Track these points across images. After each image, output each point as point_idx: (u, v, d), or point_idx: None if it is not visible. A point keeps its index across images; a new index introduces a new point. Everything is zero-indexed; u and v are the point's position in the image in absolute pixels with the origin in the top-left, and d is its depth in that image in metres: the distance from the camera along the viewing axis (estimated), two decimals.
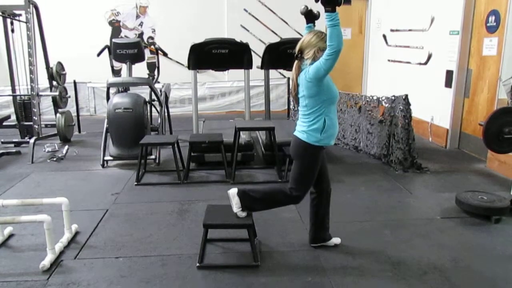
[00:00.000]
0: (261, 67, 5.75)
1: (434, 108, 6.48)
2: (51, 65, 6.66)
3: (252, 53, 5.64)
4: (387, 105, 5.43)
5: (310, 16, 3.16)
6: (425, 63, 6.75)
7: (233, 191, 3.11)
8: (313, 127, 2.94)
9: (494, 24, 5.36)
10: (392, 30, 7.85)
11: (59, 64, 6.77)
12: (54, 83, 6.74)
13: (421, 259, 3.18)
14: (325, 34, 2.86)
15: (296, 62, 2.99)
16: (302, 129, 3.01)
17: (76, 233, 3.60)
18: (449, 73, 6.13)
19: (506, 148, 4.02)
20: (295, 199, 3.11)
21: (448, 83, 6.16)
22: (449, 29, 6.09)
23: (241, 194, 3.08)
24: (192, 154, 5.10)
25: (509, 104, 5.11)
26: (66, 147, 6.19)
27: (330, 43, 2.74)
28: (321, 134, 2.94)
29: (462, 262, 3.15)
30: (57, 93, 6.64)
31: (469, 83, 5.93)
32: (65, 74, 6.91)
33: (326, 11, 2.74)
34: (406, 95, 5.18)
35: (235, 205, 3.08)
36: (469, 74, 5.92)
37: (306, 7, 3.10)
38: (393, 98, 5.35)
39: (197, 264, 3.08)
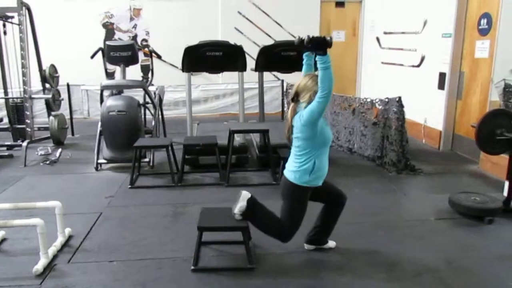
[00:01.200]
0: (255, 70, 5.76)
1: (427, 110, 6.52)
2: (44, 68, 6.63)
3: (246, 55, 5.66)
4: (380, 107, 5.46)
5: (304, 45, 3.10)
6: (418, 65, 6.79)
7: (245, 195, 3.08)
8: (303, 167, 2.96)
9: (486, 26, 5.40)
10: (385, 33, 7.89)
11: (52, 66, 6.74)
12: (47, 85, 6.70)
13: (415, 260, 3.19)
14: None
15: (292, 104, 3.01)
16: (292, 169, 3.02)
17: (70, 237, 3.57)
18: (442, 76, 6.17)
19: (498, 150, 4.05)
20: (285, 236, 3.12)
21: (441, 85, 6.20)
22: (442, 32, 6.14)
23: (250, 203, 3.06)
24: (186, 156, 5.09)
25: (501, 106, 5.16)
26: (59, 150, 6.16)
27: (321, 85, 2.78)
28: (310, 175, 2.96)
29: (456, 263, 3.16)
30: (50, 96, 6.61)
31: (461, 85, 5.97)
32: (58, 77, 6.88)
33: (317, 54, 2.79)
34: (400, 97, 5.20)
35: (239, 207, 3.05)
36: (462, 76, 5.96)
37: (300, 39, 2.96)
38: (386, 100, 5.38)
39: (192, 267, 3.07)
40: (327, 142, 3.01)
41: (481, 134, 3.93)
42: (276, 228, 3.13)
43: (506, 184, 3.99)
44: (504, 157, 4.16)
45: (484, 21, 5.44)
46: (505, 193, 4.01)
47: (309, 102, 2.90)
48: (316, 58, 2.82)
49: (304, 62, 3.18)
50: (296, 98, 2.99)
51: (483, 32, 5.47)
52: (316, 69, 2.98)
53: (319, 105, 2.81)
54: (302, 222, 3.10)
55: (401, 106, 5.18)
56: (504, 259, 3.23)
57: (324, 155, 3.02)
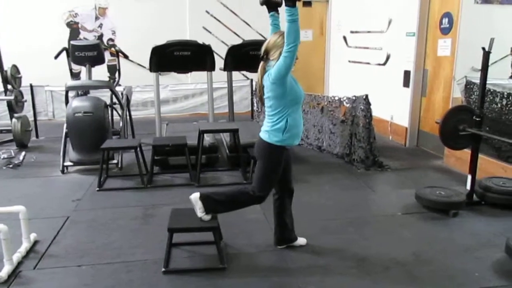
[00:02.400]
0: (224, 69, 5.74)
1: (393, 107, 6.66)
2: (5, 68, 6.42)
3: (215, 55, 5.64)
4: (348, 105, 5.54)
5: (270, 4, 3.09)
6: (384, 63, 6.93)
7: (195, 196, 3.07)
8: (276, 127, 2.96)
9: (448, 26, 5.56)
10: (352, 32, 8.01)
11: (14, 67, 6.54)
12: (9, 86, 6.49)
13: (384, 255, 3.26)
14: None
15: (261, 63, 3.00)
16: (265, 129, 3.03)
17: (35, 242, 3.47)
18: (406, 73, 6.31)
19: (461, 145, 4.19)
20: (258, 199, 3.11)
21: (406, 83, 6.34)
22: (406, 31, 6.28)
23: (204, 198, 3.05)
24: (155, 157, 5.03)
25: (464, 103, 5.33)
26: (23, 153, 5.98)
27: (287, 39, 2.76)
28: (283, 134, 2.95)
29: (423, 256, 3.25)
30: (12, 97, 6.41)
31: (425, 82, 6.13)
32: (20, 78, 6.68)
33: (286, 5, 2.76)
34: (367, 95, 5.30)
35: (199, 209, 3.05)
36: (426, 74, 6.12)
37: None
38: (354, 98, 5.46)
39: (163, 269, 3.04)
40: (299, 99, 3.01)
41: (444, 130, 4.05)
42: (245, 197, 3.11)
43: (469, 178, 4.12)
44: (467, 152, 4.29)
45: (445, 20, 5.60)
46: (468, 187, 4.14)
47: (278, 60, 2.88)
48: (285, 10, 2.77)
49: (270, 23, 3.15)
50: (265, 57, 2.98)
51: (445, 31, 5.64)
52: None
53: (286, 60, 2.79)
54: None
55: (368, 104, 5.28)
56: (469, 251, 3.33)
57: (296, 113, 3.01)
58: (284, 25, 2.83)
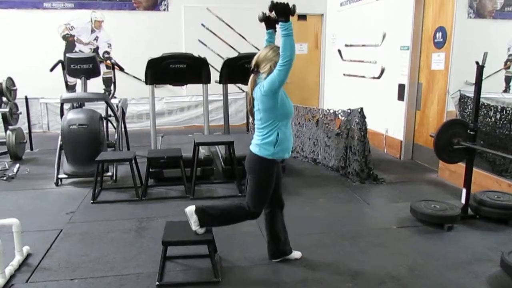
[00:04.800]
0: (219, 82, 5.76)
1: (388, 121, 6.69)
2: (0, 81, 6.41)
3: (210, 67, 5.66)
4: (343, 118, 5.56)
5: (269, 22, 3.13)
6: (379, 77, 6.98)
7: (190, 209, 3.05)
8: (267, 140, 2.96)
9: (441, 40, 5.62)
10: (346, 45, 8.08)
11: (9, 79, 6.54)
12: (4, 99, 6.48)
13: (379, 269, 3.25)
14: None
15: (252, 76, 3.01)
16: (256, 143, 3.03)
17: (28, 255, 3.44)
18: (401, 87, 6.36)
19: (455, 158, 4.20)
20: (253, 214, 3.11)
21: (400, 96, 6.39)
22: (400, 45, 6.34)
23: (199, 212, 3.04)
24: (150, 170, 5.01)
25: (458, 116, 5.36)
26: (17, 165, 5.95)
27: (283, 53, 2.79)
28: (275, 147, 2.96)
29: (418, 270, 3.24)
30: (7, 110, 6.39)
31: (420, 96, 6.18)
32: (15, 90, 6.67)
33: (279, 21, 2.81)
34: (361, 108, 5.33)
35: (194, 223, 3.03)
36: (420, 87, 6.16)
37: (264, 13, 3.07)
38: (349, 111, 5.49)
39: (157, 283, 3.02)
40: (289, 114, 3.02)
41: (439, 144, 4.06)
42: (240, 212, 3.10)
43: (464, 191, 4.13)
44: (461, 166, 4.31)
45: (439, 35, 5.67)
46: (463, 200, 4.14)
47: (269, 73, 2.90)
48: (279, 26, 2.81)
49: (266, 39, 3.18)
50: (256, 69, 2.99)
51: (439, 45, 5.70)
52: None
53: (280, 73, 2.81)
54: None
55: (363, 117, 5.30)
56: (464, 265, 3.33)
57: (286, 128, 3.01)
58: (279, 41, 2.86)
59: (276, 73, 2.83)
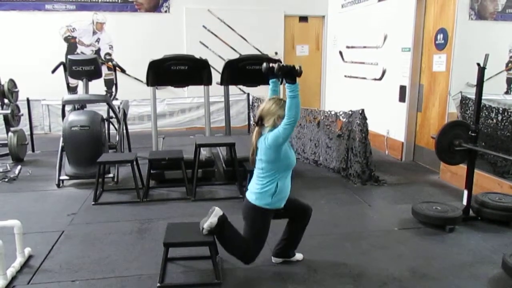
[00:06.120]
0: (221, 83, 5.77)
1: (389, 122, 6.69)
2: (2, 82, 6.43)
3: (212, 69, 5.66)
4: (344, 119, 5.56)
5: (273, 74, 3.12)
6: (380, 78, 6.98)
7: (218, 211, 3.04)
8: (265, 189, 2.97)
9: (443, 41, 5.62)
10: (348, 47, 8.08)
11: (11, 81, 6.55)
12: (6, 100, 6.50)
13: (380, 271, 3.24)
14: (284, 101, 2.93)
15: (256, 128, 3.04)
16: (254, 191, 3.02)
17: (30, 257, 3.44)
18: (402, 88, 6.36)
19: (457, 160, 4.20)
20: (246, 260, 3.12)
21: (402, 98, 6.38)
22: (401, 46, 6.34)
23: (221, 221, 3.02)
24: (151, 171, 5.02)
25: (459, 118, 5.36)
26: (19, 167, 5.96)
27: (288, 113, 2.82)
28: (273, 197, 2.97)
29: (420, 272, 3.23)
30: (8, 111, 6.41)
31: (421, 97, 6.17)
32: (17, 92, 6.69)
33: (287, 82, 2.83)
34: (363, 110, 5.32)
35: (209, 223, 2.99)
36: (421, 89, 6.16)
37: (268, 65, 3.05)
38: (350, 112, 5.49)
39: (158, 284, 3.01)
40: (291, 165, 3.04)
41: (440, 145, 4.06)
42: (241, 249, 3.10)
43: (465, 193, 4.12)
44: (463, 167, 4.30)
45: (440, 36, 5.67)
46: (464, 202, 4.14)
47: (273, 126, 2.93)
48: (285, 86, 2.85)
49: (270, 88, 3.26)
50: (260, 122, 3.02)
51: (440, 47, 5.69)
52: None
53: (285, 131, 2.84)
54: (269, 234, 3.10)
55: (364, 118, 5.30)
56: (466, 267, 3.32)
57: (286, 178, 3.04)
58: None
59: (281, 131, 2.85)
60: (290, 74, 2.83)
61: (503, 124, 5.14)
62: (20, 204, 4.69)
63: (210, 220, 3.01)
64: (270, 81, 3.24)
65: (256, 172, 3.07)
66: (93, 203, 4.68)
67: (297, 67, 2.84)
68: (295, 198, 3.30)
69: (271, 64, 3.03)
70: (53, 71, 6.41)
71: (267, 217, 3.05)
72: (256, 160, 3.05)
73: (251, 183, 3.10)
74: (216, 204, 3.14)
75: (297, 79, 2.83)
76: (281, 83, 3.24)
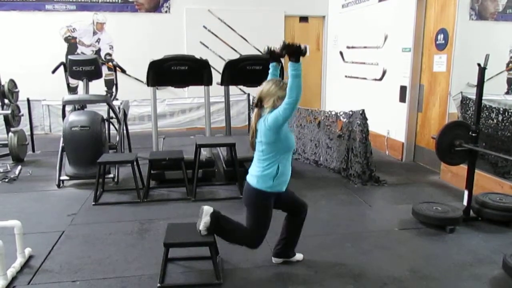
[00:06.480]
0: (221, 84, 5.76)
1: (389, 122, 6.69)
2: (2, 83, 6.43)
3: (212, 69, 5.66)
4: (345, 120, 5.56)
5: (273, 56, 3.13)
6: (380, 79, 6.98)
7: (207, 210, 3.04)
8: (266, 172, 2.95)
9: (443, 42, 5.62)
10: (348, 47, 8.08)
11: (12, 81, 6.55)
12: (6, 101, 6.50)
13: (381, 271, 3.24)
14: (283, 82, 2.92)
15: (256, 110, 3.02)
16: (254, 174, 3.01)
17: (30, 257, 3.44)
18: (403, 89, 6.36)
19: (457, 160, 4.19)
20: (251, 245, 3.13)
21: (402, 98, 6.38)
22: (402, 46, 6.34)
23: (214, 217, 3.02)
24: (152, 171, 5.02)
25: (459, 118, 5.36)
26: (19, 167, 5.96)
27: (289, 93, 2.78)
28: (274, 180, 2.95)
29: (420, 272, 3.23)
30: (9, 112, 6.41)
31: (421, 98, 6.17)
32: (17, 92, 6.69)
33: (290, 60, 2.79)
34: (363, 110, 5.32)
35: (204, 223, 3.01)
36: (422, 89, 6.16)
37: (269, 48, 3.07)
38: (350, 113, 5.49)
39: (158, 285, 3.01)
40: (291, 148, 3.02)
41: (440, 145, 4.06)
42: (243, 236, 3.10)
43: (466, 193, 4.12)
44: (463, 168, 4.30)
45: (441, 37, 5.66)
46: (465, 202, 4.13)
47: (273, 107, 2.91)
48: (289, 64, 2.80)
49: (270, 72, 3.22)
50: (260, 104, 3.00)
51: (440, 47, 5.69)
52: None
53: (285, 112, 2.81)
54: (269, 234, 3.10)
55: (365, 118, 5.30)
56: (466, 267, 3.32)
57: (287, 161, 3.01)
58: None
59: (281, 111, 2.82)
60: (295, 52, 2.78)
61: (503, 124, 5.14)
62: (20, 205, 4.69)
63: (204, 220, 3.01)
64: (270, 65, 3.22)
65: (256, 155, 3.04)
66: (94, 203, 4.68)
67: (302, 47, 2.80)
68: (293, 193, 3.28)
69: (272, 47, 3.01)
70: (54, 71, 6.41)
71: (269, 200, 3.01)
72: (256, 142, 3.03)
73: (251, 166, 3.07)
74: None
75: (301, 61, 2.79)
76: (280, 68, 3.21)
